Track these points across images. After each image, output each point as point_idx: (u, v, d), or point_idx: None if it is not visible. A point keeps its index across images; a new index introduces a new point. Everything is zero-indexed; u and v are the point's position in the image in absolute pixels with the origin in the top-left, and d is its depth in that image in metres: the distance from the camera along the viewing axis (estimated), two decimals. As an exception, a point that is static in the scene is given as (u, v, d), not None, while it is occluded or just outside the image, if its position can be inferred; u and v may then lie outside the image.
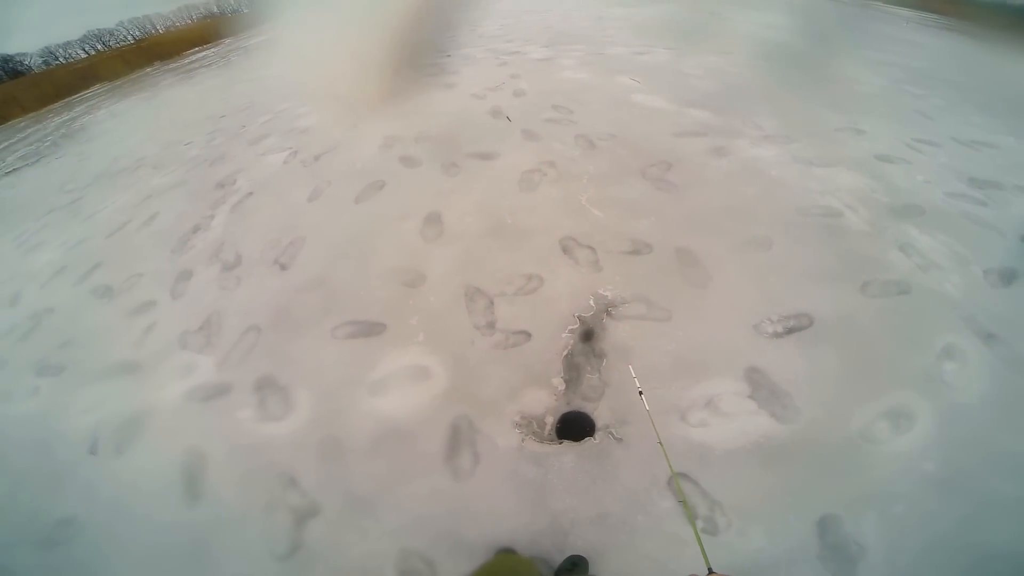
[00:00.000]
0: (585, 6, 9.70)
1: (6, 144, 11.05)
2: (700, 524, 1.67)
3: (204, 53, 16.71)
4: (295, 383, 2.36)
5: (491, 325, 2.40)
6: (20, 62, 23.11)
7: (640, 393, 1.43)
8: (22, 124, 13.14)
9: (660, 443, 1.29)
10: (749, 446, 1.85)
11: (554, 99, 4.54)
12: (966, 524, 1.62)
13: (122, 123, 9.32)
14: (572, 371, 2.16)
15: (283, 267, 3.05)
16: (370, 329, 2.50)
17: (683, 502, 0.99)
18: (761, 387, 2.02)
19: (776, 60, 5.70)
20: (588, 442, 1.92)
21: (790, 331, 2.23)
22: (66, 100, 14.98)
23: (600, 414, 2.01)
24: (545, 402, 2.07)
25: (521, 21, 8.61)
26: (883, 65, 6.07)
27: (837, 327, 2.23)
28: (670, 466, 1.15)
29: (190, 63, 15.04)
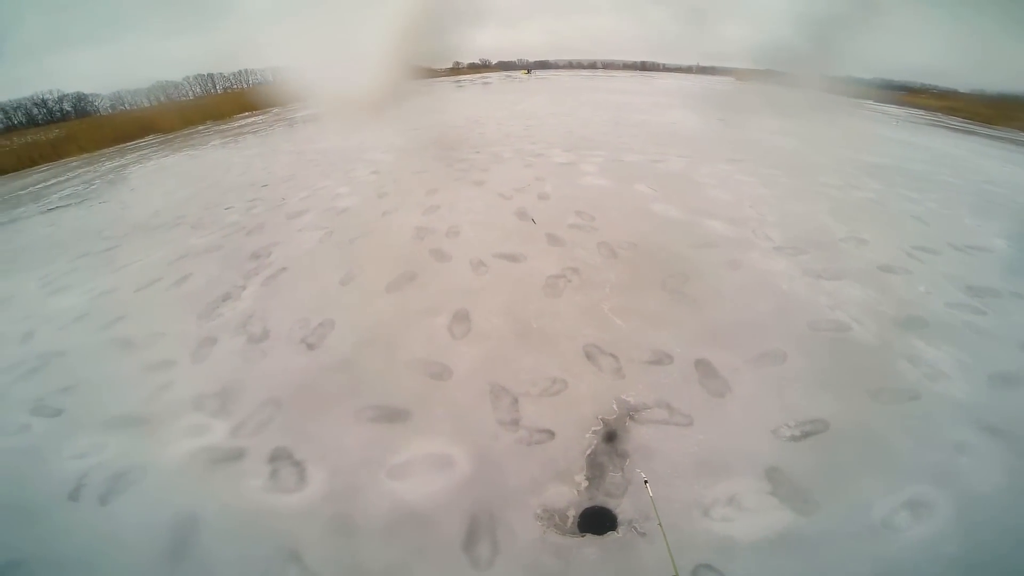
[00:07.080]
0: (602, 112, 10.76)
1: (56, 181, 11.69)
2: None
3: (253, 119, 18.24)
4: (312, 459, 2.33)
5: (515, 422, 2.43)
6: (91, 102, 25.02)
7: (645, 482, 1.59)
8: (75, 164, 13.97)
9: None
10: (773, 537, 1.89)
11: (577, 204, 4.92)
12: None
13: (168, 177, 9.94)
14: (595, 469, 2.18)
15: (310, 347, 3.13)
16: (394, 415, 2.53)
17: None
18: (781, 484, 2.08)
19: (779, 167, 6.18)
20: (611, 536, 1.91)
21: (807, 435, 2.33)
22: (120, 146, 16.02)
23: (623, 509, 2.00)
24: (568, 496, 2.07)
25: (544, 123, 9.52)
26: (879, 168, 6.57)
27: (852, 430, 2.34)
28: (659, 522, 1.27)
29: (240, 126, 16.38)
